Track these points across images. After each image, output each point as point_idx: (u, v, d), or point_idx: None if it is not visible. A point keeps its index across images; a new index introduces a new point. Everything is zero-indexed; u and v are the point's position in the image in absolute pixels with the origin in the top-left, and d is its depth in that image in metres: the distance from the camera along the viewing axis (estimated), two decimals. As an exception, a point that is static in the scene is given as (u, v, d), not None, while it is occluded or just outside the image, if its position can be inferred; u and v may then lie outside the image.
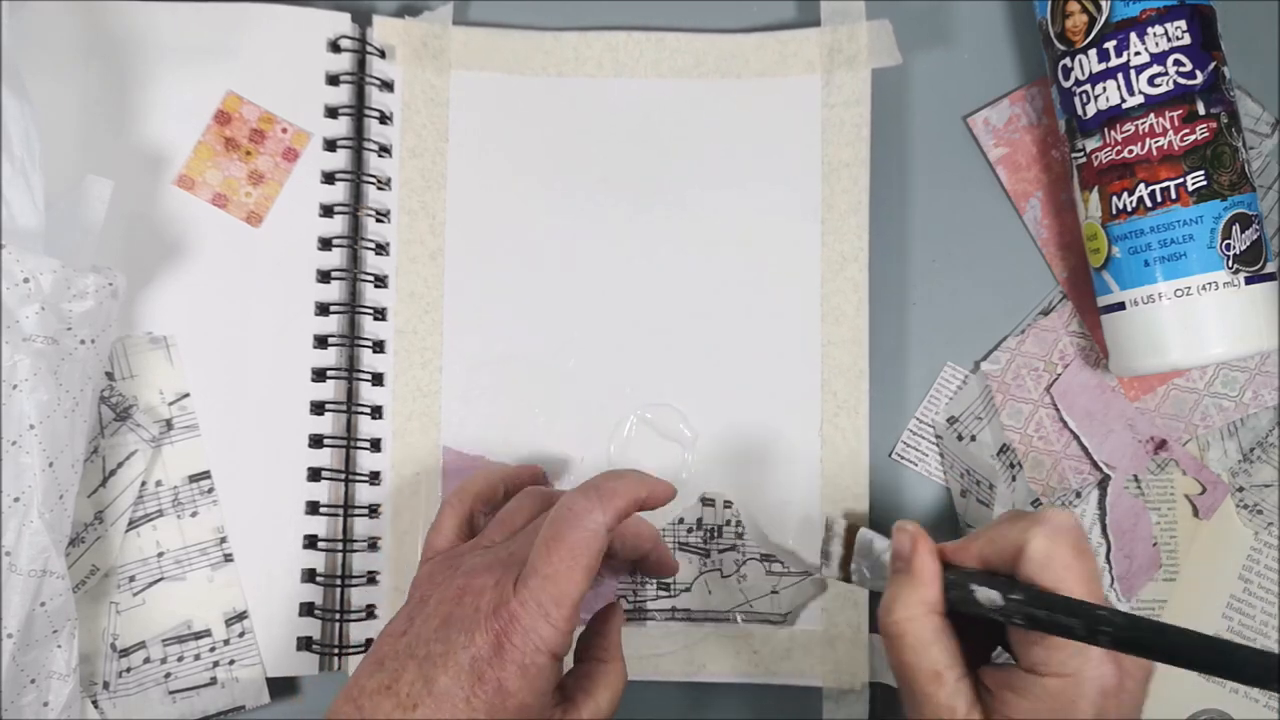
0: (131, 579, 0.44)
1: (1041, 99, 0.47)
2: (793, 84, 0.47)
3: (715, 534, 0.46)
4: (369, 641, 0.45)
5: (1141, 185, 0.41)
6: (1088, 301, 0.45)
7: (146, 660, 0.44)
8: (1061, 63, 0.43)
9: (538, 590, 0.33)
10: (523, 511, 0.40)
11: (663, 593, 0.46)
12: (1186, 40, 0.41)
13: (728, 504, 0.46)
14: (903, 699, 0.35)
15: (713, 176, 0.47)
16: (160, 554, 0.44)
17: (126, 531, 0.44)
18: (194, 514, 0.45)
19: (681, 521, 0.46)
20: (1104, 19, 0.41)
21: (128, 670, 0.44)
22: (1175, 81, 0.41)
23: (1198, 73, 0.41)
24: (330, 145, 0.46)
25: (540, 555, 0.34)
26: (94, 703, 0.43)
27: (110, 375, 0.44)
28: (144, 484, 0.44)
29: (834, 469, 0.45)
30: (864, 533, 0.38)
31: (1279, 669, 0.28)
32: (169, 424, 0.45)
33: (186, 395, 0.45)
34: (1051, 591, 0.32)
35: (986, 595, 0.33)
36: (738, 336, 0.46)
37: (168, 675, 0.44)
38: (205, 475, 0.45)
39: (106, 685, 0.44)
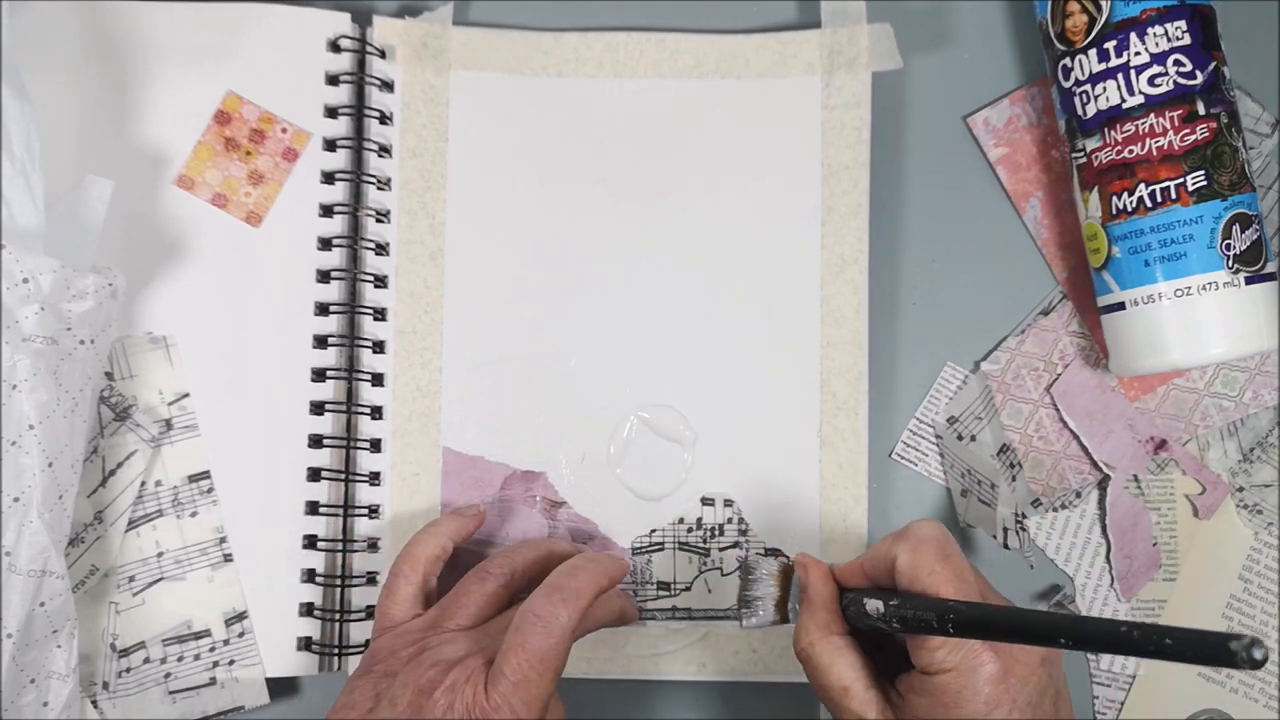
0: (131, 579, 0.44)
1: (1041, 99, 0.47)
2: (793, 85, 0.47)
3: (716, 532, 0.46)
4: (368, 642, 0.45)
5: (1142, 185, 0.41)
6: (1088, 301, 0.45)
7: (146, 660, 0.44)
8: (1061, 63, 0.43)
9: (509, 694, 0.35)
10: (485, 596, 0.40)
11: (663, 593, 0.46)
12: (1186, 40, 0.41)
13: (728, 503, 0.46)
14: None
15: (712, 177, 0.47)
16: (160, 554, 0.44)
17: (126, 531, 0.44)
18: (194, 514, 0.45)
19: (681, 521, 0.46)
20: (1104, 19, 0.41)
21: (127, 670, 0.44)
22: (1175, 81, 0.41)
23: (1198, 73, 0.41)
24: (330, 145, 0.46)
25: (509, 662, 0.35)
26: (94, 703, 0.43)
27: (110, 375, 0.44)
28: (143, 484, 0.44)
29: (833, 470, 0.45)
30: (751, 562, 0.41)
31: (1068, 628, 0.30)
32: (168, 424, 0.45)
33: (186, 395, 0.45)
34: (917, 594, 0.35)
35: (873, 606, 0.36)
36: (737, 337, 0.46)
37: (167, 675, 0.44)
38: (205, 475, 0.45)
39: (106, 685, 0.44)
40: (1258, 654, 0.24)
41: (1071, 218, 0.47)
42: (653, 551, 0.46)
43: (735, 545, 0.46)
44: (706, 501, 0.46)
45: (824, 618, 0.38)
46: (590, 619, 0.40)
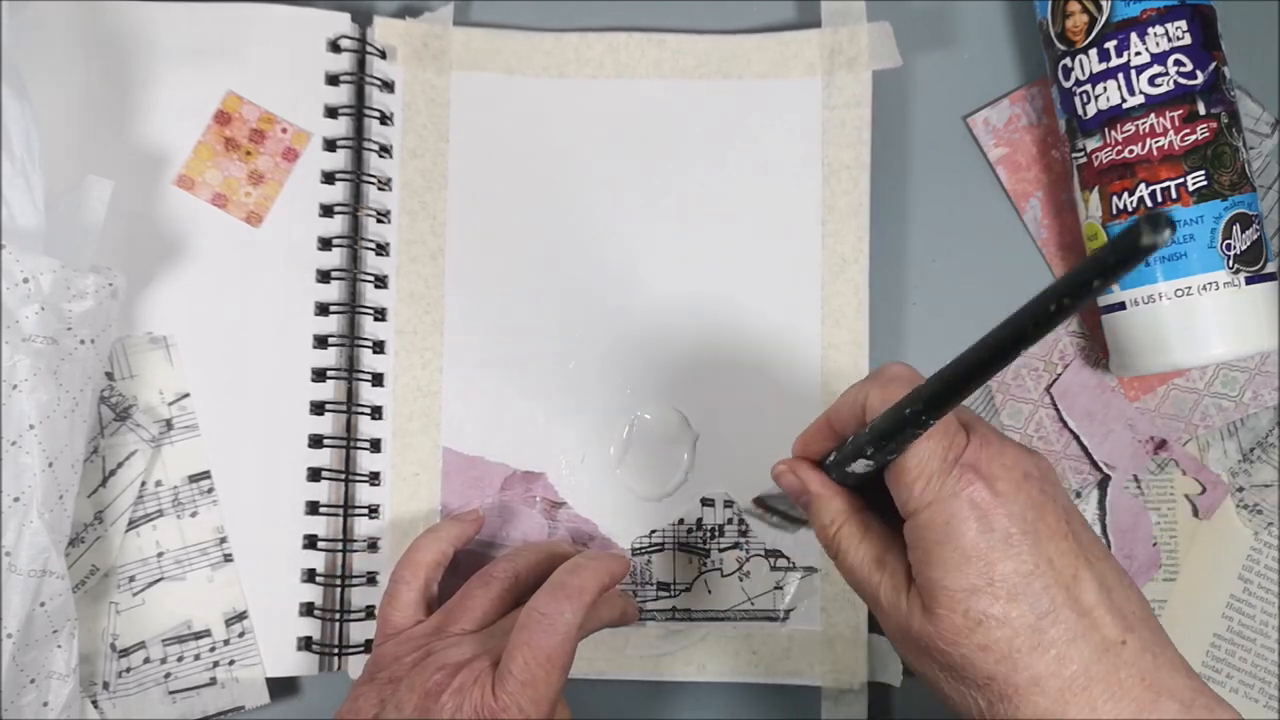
0: (131, 579, 0.44)
1: (1041, 99, 0.47)
2: (793, 85, 0.47)
3: (717, 533, 0.46)
4: (368, 642, 0.45)
5: (1142, 185, 0.41)
6: (1091, 306, 0.45)
7: (146, 660, 0.44)
8: (1062, 63, 0.43)
9: (517, 693, 0.35)
10: (490, 600, 0.40)
11: (663, 593, 0.46)
12: (1187, 40, 0.41)
13: (728, 503, 0.46)
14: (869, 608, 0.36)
15: (713, 177, 0.47)
16: (160, 554, 0.44)
17: (126, 531, 0.44)
18: (194, 514, 0.45)
19: (682, 522, 0.46)
20: (1104, 19, 0.41)
21: (127, 670, 0.44)
22: (1176, 81, 0.41)
23: (1198, 73, 0.41)
24: (330, 145, 0.46)
25: (516, 661, 0.35)
26: (94, 703, 0.43)
27: (110, 375, 0.44)
28: (144, 484, 0.44)
29: (834, 469, 0.45)
30: (766, 495, 0.38)
31: (1035, 309, 0.25)
32: (169, 424, 0.45)
33: (186, 395, 0.45)
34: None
35: (860, 462, 0.33)
36: (738, 337, 0.46)
37: (167, 675, 0.44)
38: (205, 475, 0.45)
39: (106, 685, 0.44)
40: (1156, 227, 0.21)
41: (1072, 218, 0.47)
42: (653, 552, 0.46)
43: (735, 546, 0.46)
44: (706, 502, 0.46)
45: (834, 503, 0.34)
46: (594, 618, 0.40)
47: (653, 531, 0.46)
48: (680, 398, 0.46)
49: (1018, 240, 0.47)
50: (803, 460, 0.36)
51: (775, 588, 0.45)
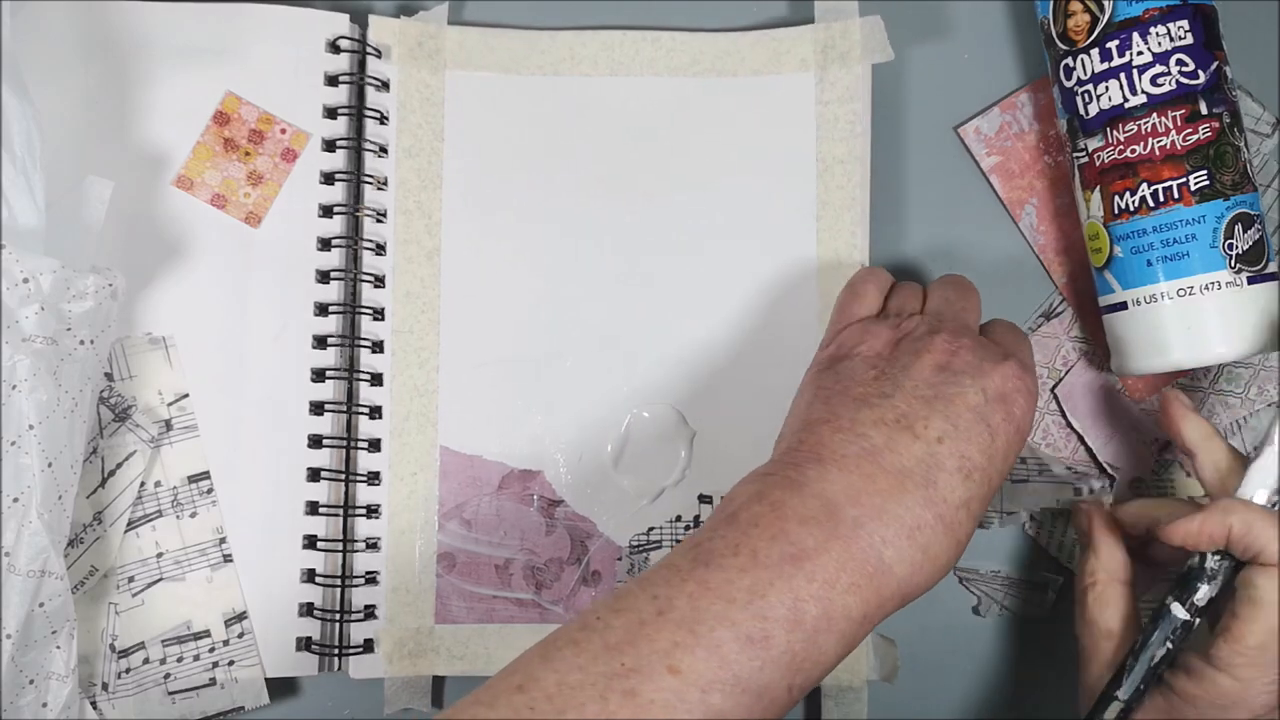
0: (130, 580, 0.44)
1: (1032, 105, 0.47)
2: (787, 81, 0.46)
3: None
4: (368, 642, 0.45)
5: (1144, 185, 0.41)
6: (1089, 306, 0.45)
7: (146, 661, 0.44)
8: (1063, 62, 0.43)
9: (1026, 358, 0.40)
10: (919, 291, 0.43)
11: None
12: (1189, 40, 0.41)
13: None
14: (1079, 658, 0.40)
15: (709, 174, 0.47)
16: (159, 554, 0.44)
17: (125, 532, 0.44)
18: (193, 514, 0.45)
19: (679, 520, 0.46)
20: (1106, 18, 0.41)
21: (127, 671, 0.44)
22: (1178, 81, 0.41)
23: (1200, 72, 0.41)
24: (329, 146, 0.46)
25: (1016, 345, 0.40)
26: (93, 704, 0.43)
27: (109, 376, 0.45)
28: (143, 484, 0.44)
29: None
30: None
31: None
32: (168, 424, 0.45)
33: (185, 396, 0.45)
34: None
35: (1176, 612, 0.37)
36: (735, 334, 0.46)
37: (167, 676, 0.44)
38: (204, 476, 0.45)
39: (105, 686, 0.44)
40: None
41: (1068, 223, 0.46)
42: (650, 550, 0.46)
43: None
44: (704, 500, 0.46)
45: (1108, 563, 0.40)
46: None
47: (650, 529, 0.46)
48: (677, 395, 0.46)
49: (1014, 247, 0.47)
50: (1104, 514, 0.41)
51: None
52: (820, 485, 0.34)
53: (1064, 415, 0.46)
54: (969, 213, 0.47)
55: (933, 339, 0.38)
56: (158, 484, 0.45)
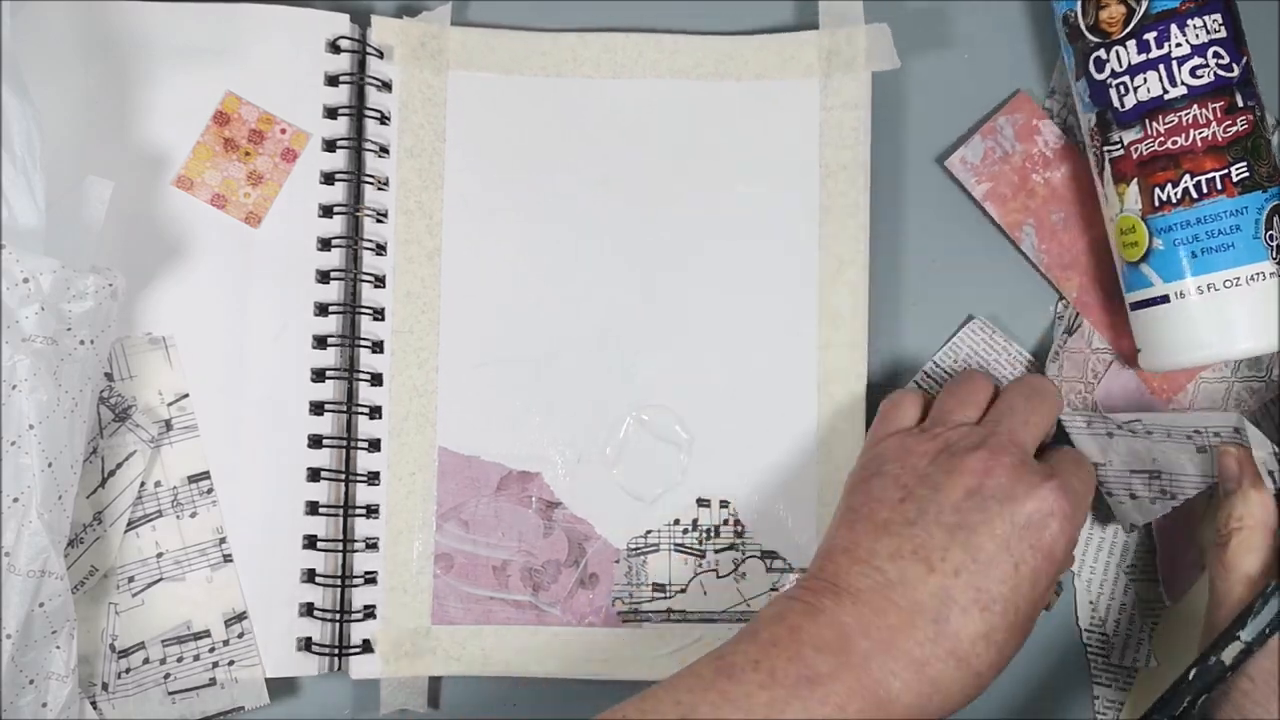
0: (130, 580, 0.44)
1: (1011, 127, 0.47)
2: (791, 86, 0.46)
3: (712, 534, 0.46)
4: (366, 642, 0.45)
5: (1187, 176, 0.41)
6: (1105, 315, 0.45)
7: (146, 661, 0.44)
8: (1094, 55, 0.43)
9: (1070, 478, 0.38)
10: (984, 390, 0.41)
11: (658, 595, 0.46)
12: (1223, 33, 0.41)
13: (724, 504, 0.46)
14: (1210, 601, 0.39)
15: (710, 178, 0.47)
16: (159, 554, 0.45)
17: (125, 532, 0.44)
18: (193, 514, 0.45)
19: (677, 523, 0.46)
20: (1143, 10, 0.41)
21: (127, 671, 0.44)
22: (1215, 73, 0.41)
23: (1234, 65, 0.41)
24: (329, 146, 0.46)
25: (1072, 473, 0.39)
26: (93, 704, 0.43)
27: (109, 376, 0.45)
28: (143, 484, 0.44)
29: (830, 472, 0.45)
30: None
31: None
32: (168, 424, 0.45)
33: (185, 396, 0.45)
34: None
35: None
36: (735, 338, 0.46)
37: (167, 676, 0.44)
38: (204, 476, 0.45)
39: (105, 686, 0.44)
40: None
41: (1068, 236, 0.46)
42: (648, 553, 0.46)
43: (731, 547, 0.46)
44: (702, 503, 0.46)
45: (1260, 512, 0.39)
46: None
47: (648, 532, 0.46)
48: (677, 399, 0.46)
49: (1015, 265, 0.47)
50: (1253, 466, 0.39)
51: (771, 589, 0.45)
52: (835, 614, 0.35)
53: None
54: (967, 243, 0.47)
55: (969, 457, 0.37)
56: (158, 484, 0.45)
